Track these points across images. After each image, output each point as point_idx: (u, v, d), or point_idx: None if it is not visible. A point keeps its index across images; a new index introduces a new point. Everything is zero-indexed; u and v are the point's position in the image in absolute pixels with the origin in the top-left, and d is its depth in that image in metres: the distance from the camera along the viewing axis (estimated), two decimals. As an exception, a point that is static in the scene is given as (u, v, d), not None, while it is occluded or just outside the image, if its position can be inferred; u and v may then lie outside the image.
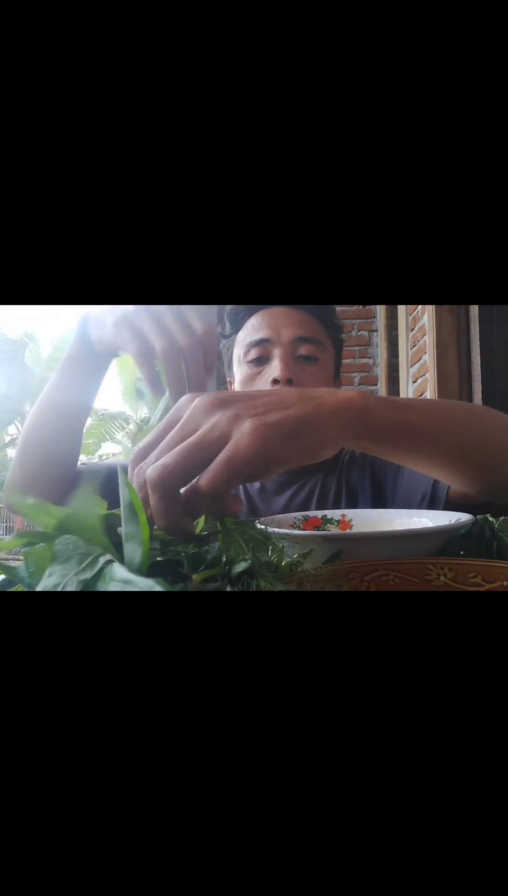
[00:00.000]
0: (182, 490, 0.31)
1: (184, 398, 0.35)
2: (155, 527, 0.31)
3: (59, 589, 0.27)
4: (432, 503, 0.67)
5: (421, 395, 2.17)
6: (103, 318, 0.53)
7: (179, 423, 0.33)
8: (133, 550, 0.28)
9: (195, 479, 0.31)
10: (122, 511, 0.30)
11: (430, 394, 2.02)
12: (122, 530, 0.29)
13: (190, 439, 0.31)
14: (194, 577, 0.28)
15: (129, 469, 0.33)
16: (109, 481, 0.72)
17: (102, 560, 0.28)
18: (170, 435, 0.32)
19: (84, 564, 0.28)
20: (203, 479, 0.30)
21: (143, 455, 0.33)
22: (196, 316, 0.48)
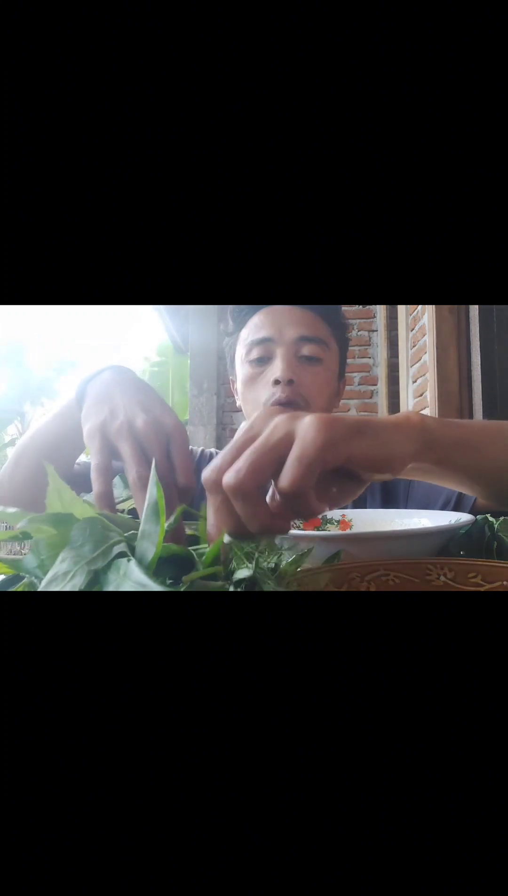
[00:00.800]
0: (267, 499, 0.32)
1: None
2: (253, 533, 0.31)
3: (69, 576, 0.27)
4: (455, 510, 0.68)
5: (421, 395, 2.17)
6: (95, 404, 0.50)
7: (242, 433, 0.33)
8: (146, 548, 0.29)
9: (274, 485, 0.31)
10: (145, 508, 0.30)
11: (430, 394, 2.02)
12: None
13: (255, 443, 0.31)
14: (184, 578, 0.28)
15: (207, 488, 0.33)
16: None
17: (116, 549, 0.29)
18: (233, 443, 0.33)
19: (98, 552, 0.28)
20: (282, 482, 0.30)
21: (216, 471, 0.32)
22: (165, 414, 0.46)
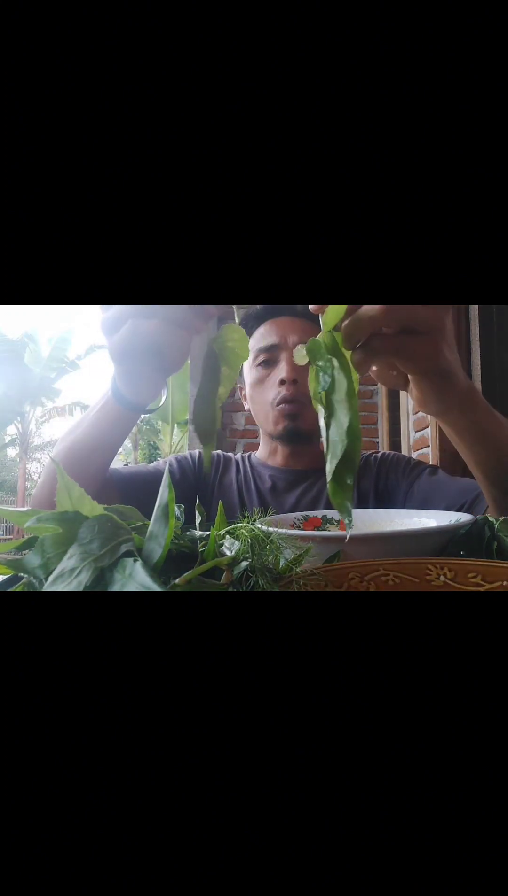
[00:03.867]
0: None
1: None
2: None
3: (75, 573, 0.27)
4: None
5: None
6: (131, 372, 0.55)
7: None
8: (153, 549, 0.29)
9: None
10: (155, 510, 0.30)
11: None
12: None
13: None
14: (178, 581, 0.28)
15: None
16: (143, 486, 0.73)
17: (123, 548, 0.29)
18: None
19: (105, 549, 0.28)
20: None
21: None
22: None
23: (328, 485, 0.33)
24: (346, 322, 0.39)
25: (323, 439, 0.34)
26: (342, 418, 0.33)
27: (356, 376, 0.39)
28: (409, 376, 0.47)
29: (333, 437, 0.33)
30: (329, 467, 0.33)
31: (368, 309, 0.39)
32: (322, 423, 0.35)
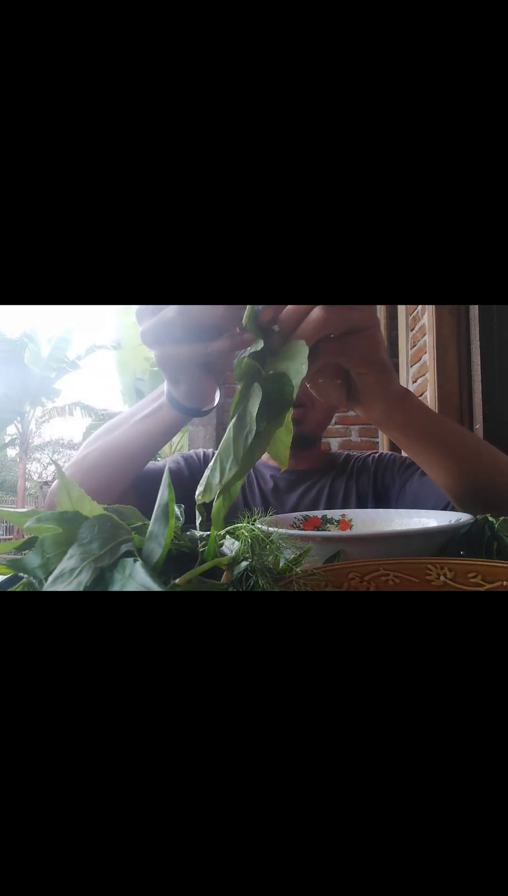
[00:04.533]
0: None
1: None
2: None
3: (75, 573, 0.27)
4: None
5: (421, 395, 2.17)
6: (176, 373, 0.55)
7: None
8: (153, 549, 0.29)
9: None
10: (155, 509, 0.31)
11: (430, 394, 2.02)
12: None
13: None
14: (178, 581, 0.28)
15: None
16: (155, 483, 0.74)
17: (123, 548, 0.29)
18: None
19: (105, 550, 0.28)
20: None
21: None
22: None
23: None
24: (298, 330, 0.42)
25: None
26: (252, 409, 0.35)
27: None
28: (355, 376, 0.50)
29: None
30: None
31: (313, 317, 0.41)
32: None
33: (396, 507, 0.80)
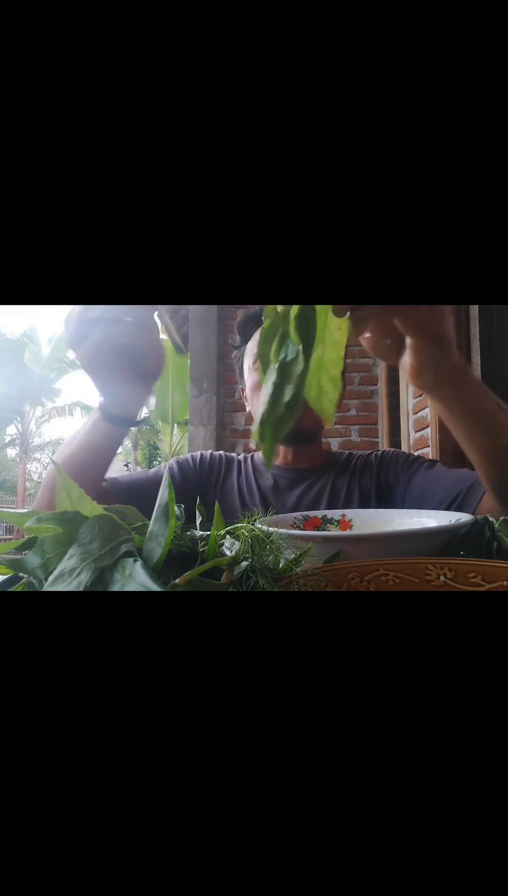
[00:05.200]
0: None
1: None
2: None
3: (76, 573, 0.27)
4: (461, 507, 0.70)
5: (421, 395, 2.17)
6: (118, 392, 0.55)
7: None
8: (153, 549, 0.29)
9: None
10: (155, 510, 0.31)
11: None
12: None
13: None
14: (178, 581, 0.28)
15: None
16: (141, 493, 0.75)
17: (123, 548, 0.29)
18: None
19: (105, 550, 0.28)
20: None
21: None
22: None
23: (256, 432, 0.34)
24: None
25: (263, 399, 0.34)
26: (288, 390, 0.34)
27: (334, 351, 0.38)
28: (407, 342, 0.47)
29: (272, 399, 0.34)
30: (260, 424, 0.34)
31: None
32: (267, 383, 0.35)
33: (402, 504, 0.80)
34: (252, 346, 0.86)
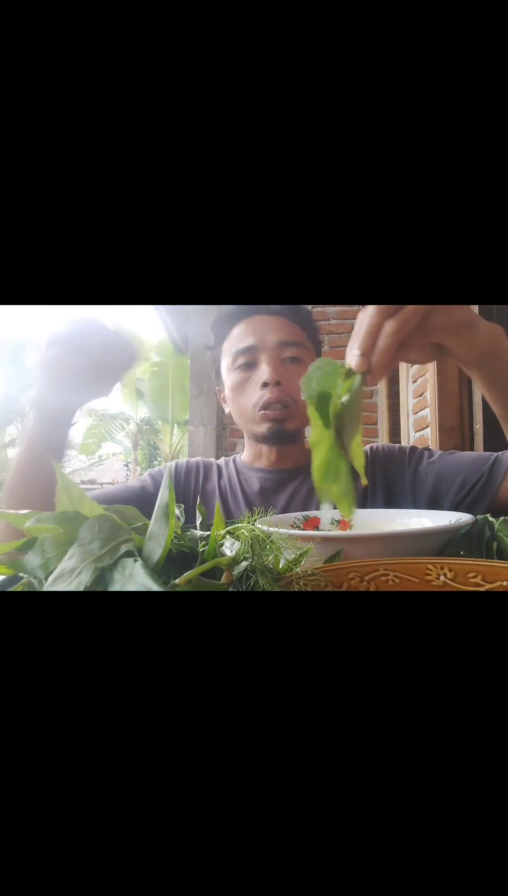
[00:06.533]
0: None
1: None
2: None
3: (76, 573, 0.27)
4: (487, 484, 0.70)
5: (421, 395, 2.17)
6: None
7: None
8: (153, 549, 0.29)
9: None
10: (155, 510, 0.31)
11: (430, 393, 2.02)
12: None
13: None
14: (178, 581, 0.28)
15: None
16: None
17: (123, 548, 0.29)
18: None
19: (105, 550, 0.28)
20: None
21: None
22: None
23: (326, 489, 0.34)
24: (393, 320, 0.39)
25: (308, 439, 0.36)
26: (351, 434, 0.36)
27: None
28: (442, 343, 0.48)
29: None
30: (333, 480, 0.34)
31: (386, 342, 0.39)
32: (323, 430, 0.36)
33: (409, 497, 0.78)
34: (229, 346, 0.84)
